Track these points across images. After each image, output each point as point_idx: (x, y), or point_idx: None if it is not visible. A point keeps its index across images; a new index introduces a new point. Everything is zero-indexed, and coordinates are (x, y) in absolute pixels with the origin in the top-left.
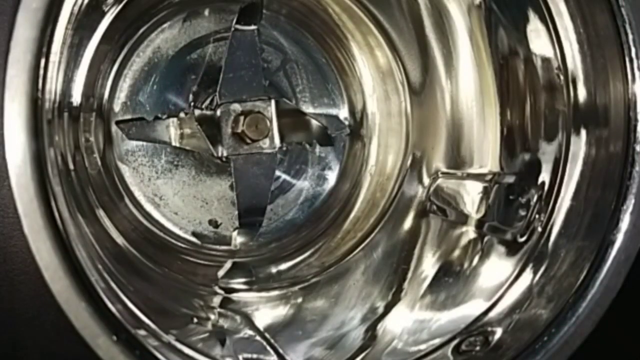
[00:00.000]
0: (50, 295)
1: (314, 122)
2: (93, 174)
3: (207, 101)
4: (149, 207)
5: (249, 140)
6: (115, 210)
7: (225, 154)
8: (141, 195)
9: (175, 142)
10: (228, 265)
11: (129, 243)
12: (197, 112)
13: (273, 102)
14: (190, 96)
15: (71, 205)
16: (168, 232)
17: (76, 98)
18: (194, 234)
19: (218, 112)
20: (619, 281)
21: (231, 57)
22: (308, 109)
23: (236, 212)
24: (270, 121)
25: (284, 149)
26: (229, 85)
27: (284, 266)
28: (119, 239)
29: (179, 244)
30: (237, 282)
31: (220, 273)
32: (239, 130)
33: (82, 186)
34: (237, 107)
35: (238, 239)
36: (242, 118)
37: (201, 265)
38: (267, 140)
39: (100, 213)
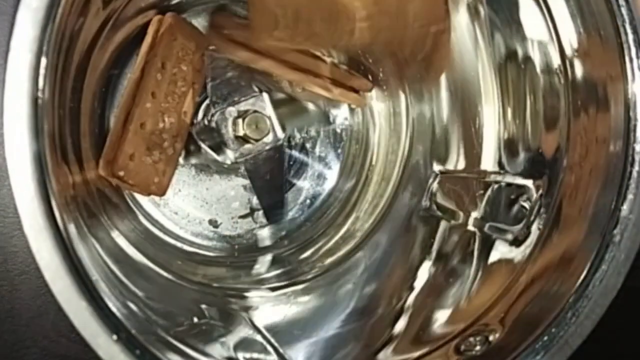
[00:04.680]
0: (50, 295)
1: (310, 106)
2: None
3: (202, 114)
4: (149, 207)
5: (252, 141)
6: (115, 210)
7: (232, 159)
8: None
9: (181, 161)
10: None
11: (129, 243)
12: (196, 127)
13: (265, 95)
14: None
15: None
16: (168, 232)
17: None
18: (194, 234)
19: (216, 120)
20: (619, 281)
21: (213, 64)
22: None
23: (236, 212)
24: (269, 117)
25: (288, 135)
26: (218, 91)
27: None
28: (119, 239)
29: (179, 244)
30: (237, 282)
31: (222, 273)
32: (241, 134)
33: None
34: (232, 110)
35: (265, 236)
36: (240, 121)
37: (201, 265)
38: (270, 136)
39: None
